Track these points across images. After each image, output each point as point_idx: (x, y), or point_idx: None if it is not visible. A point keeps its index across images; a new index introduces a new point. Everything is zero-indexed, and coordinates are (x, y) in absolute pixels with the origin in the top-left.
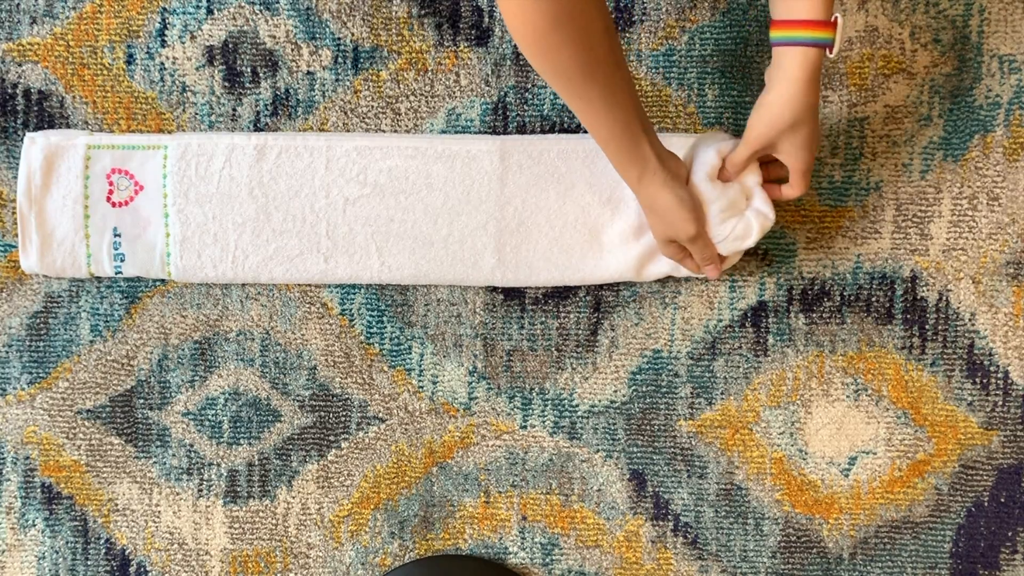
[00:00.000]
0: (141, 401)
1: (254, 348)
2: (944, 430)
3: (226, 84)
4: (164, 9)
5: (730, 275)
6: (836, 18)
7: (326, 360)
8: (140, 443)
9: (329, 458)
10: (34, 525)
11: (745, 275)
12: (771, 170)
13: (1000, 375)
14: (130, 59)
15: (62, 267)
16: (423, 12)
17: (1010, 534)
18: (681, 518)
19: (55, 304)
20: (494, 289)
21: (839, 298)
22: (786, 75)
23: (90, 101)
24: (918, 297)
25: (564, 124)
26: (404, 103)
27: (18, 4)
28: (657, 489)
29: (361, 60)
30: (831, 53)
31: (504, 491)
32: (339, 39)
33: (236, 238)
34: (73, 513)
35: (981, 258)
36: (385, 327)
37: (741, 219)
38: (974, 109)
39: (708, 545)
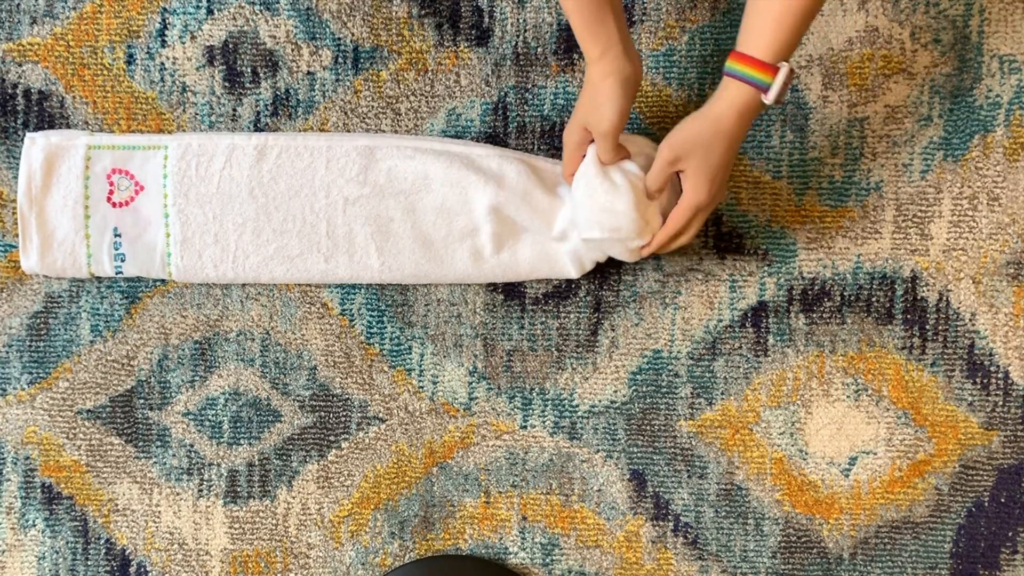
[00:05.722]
0: (141, 401)
1: (254, 348)
2: (944, 430)
3: (226, 84)
4: (164, 9)
5: (730, 275)
6: (781, 67)
7: (326, 360)
8: (140, 443)
9: (329, 458)
10: (34, 525)
11: (745, 275)
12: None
13: (1000, 375)
14: (130, 59)
15: (62, 267)
16: (423, 12)
17: (1010, 534)
18: (681, 518)
19: (55, 304)
20: (494, 289)
21: (839, 298)
22: (720, 102)
23: (90, 101)
24: (918, 297)
25: (564, 124)
26: (404, 103)
27: (18, 4)
28: (657, 489)
29: (361, 60)
30: (766, 98)
31: (504, 491)
32: (339, 39)
33: (236, 238)
34: (73, 513)
35: (981, 258)
36: (385, 327)
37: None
38: (974, 109)
39: (708, 545)
